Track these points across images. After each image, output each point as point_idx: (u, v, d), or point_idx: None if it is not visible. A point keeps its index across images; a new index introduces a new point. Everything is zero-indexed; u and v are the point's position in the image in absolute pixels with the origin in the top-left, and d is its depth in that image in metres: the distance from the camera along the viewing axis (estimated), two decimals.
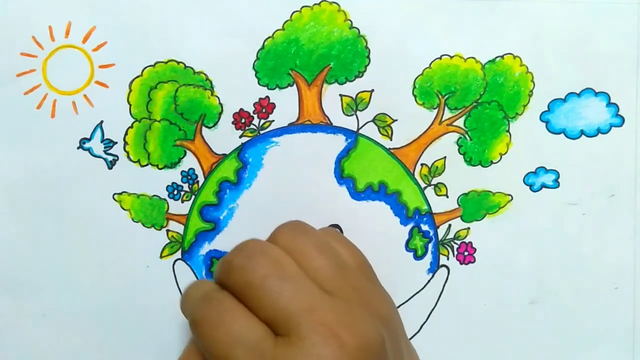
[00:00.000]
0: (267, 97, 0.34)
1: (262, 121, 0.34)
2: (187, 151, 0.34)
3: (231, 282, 0.26)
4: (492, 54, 0.34)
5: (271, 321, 0.25)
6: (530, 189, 0.35)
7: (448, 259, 0.35)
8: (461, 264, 0.35)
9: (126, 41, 0.33)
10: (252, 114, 0.34)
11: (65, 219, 0.34)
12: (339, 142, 0.34)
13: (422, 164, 0.34)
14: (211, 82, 0.33)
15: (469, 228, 0.35)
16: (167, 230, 0.34)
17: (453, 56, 0.34)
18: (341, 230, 0.34)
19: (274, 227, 0.34)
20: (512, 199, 0.35)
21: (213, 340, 0.25)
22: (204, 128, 0.34)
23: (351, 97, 0.34)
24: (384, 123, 0.34)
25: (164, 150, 0.34)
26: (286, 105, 0.34)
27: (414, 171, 0.34)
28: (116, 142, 0.33)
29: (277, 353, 0.24)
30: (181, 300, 0.29)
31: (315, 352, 0.23)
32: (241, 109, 0.34)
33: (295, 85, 0.34)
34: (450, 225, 0.35)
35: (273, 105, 0.34)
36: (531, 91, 0.34)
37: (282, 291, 0.25)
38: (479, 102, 0.34)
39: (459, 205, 0.35)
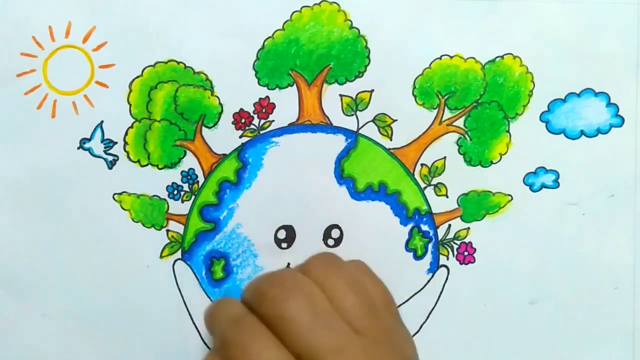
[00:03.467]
0: (267, 97, 0.34)
1: (262, 121, 0.34)
2: (187, 151, 0.34)
3: (263, 311, 0.26)
4: (492, 54, 0.34)
5: (300, 356, 0.25)
6: (530, 189, 0.35)
7: (448, 259, 0.35)
8: (461, 264, 0.35)
9: (126, 41, 0.33)
10: (252, 114, 0.34)
11: (65, 219, 0.34)
12: (339, 142, 0.34)
13: (422, 164, 0.34)
14: (211, 82, 0.33)
15: (469, 228, 0.35)
16: (167, 230, 0.34)
17: (453, 56, 0.34)
18: (341, 231, 0.34)
19: (274, 227, 0.34)
20: (512, 199, 0.35)
21: None
22: (204, 128, 0.34)
23: (351, 97, 0.34)
24: (384, 123, 0.34)
25: (164, 150, 0.34)
26: (286, 105, 0.34)
27: (414, 171, 0.34)
28: (116, 142, 0.33)
29: None
30: (207, 316, 0.29)
31: None
32: (241, 109, 0.34)
33: (295, 85, 0.34)
34: (450, 225, 0.35)
35: (273, 105, 0.34)
36: (531, 91, 0.34)
37: (314, 328, 0.25)
38: (479, 102, 0.34)
39: (458, 205, 0.35)
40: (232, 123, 0.34)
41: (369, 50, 0.34)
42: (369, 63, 0.34)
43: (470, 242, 0.35)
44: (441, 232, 0.35)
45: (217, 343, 0.27)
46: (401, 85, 0.34)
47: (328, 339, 0.25)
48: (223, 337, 0.26)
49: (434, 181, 0.34)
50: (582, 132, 0.34)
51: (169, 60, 0.33)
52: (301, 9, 0.33)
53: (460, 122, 0.34)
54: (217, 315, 0.28)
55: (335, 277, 0.27)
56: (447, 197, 0.35)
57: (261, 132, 0.34)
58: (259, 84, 0.34)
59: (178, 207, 0.34)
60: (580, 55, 0.34)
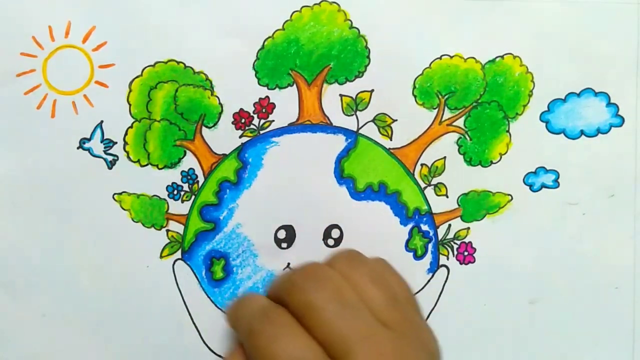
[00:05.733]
0: (267, 97, 0.34)
1: (262, 121, 0.34)
2: (187, 151, 0.34)
3: (291, 299, 0.27)
4: (492, 54, 0.34)
5: (328, 344, 0.25)
6: (530, 189, 0.35)
7: (448, 259, 0.35)
8: (461, 264, 0.35)
9: (126, 41, 0.33)
10: (252, 114, 0.34)
11: (65, 219, 0.34)
12: (339, 142, 0.34)
13: (422, 164, 0.34)
14: (211, 82, 0.33)
15: (468, 228, 0.35)
16: (167, 230, 0.34)
17: (453, 56, 0.34)
18: (341, 231, 0.34)
19: (274, 227, 0.34)
20: (512, 199, 0.35)
21: (269, 353, 0.25)
22: (204, 128, 0.34)
23: (351, 97, 0.34)
24: (384, 123, 0.34)
25: (164, 150, 0.34)
26: (286, 105, 0.34)
27: (414, 171, 0.34)
28: (116, 142, 0.33)
29: None
30: (232, 310, 0.29)
31: None
32: (241, 109, 0.34)
33: (295, 85, 0.34)
34: (450, 225, 0.35)
35: (273, 105, 0.34)
36: (531, 91, 0.34)
37: (343, 316, 0.25)
38: (479, 102, 0.34)
39: (459, 205, 0.35)
40: (232, 123, 0.34)
41: (369, 50, 0.34)
42: (369, 63, 0.34)
43: (470, 242, 0.35)
44: (441, 232, 0.35)
45: (243, 335, 0.27)
46: (401, 85, 0.34)
47: (357, 327, 0.25)
48: (250, 328, 0.26)
49: (434, 181, 0.34)
50: (582, 132, 0.34)
51: (169, 60, 0.33)
52: (301, 9, 0.33)
53: (460, 122, 0.34)
54: (242, 309, 0.28)
55: (359, 271, 0.28)
56: (447, 197, 0.35)
57: (261, 132, 0.34)
58: (259, 84, 0.34)
59: (178, 207, 0.34)
60: (580, 55, 0.34)
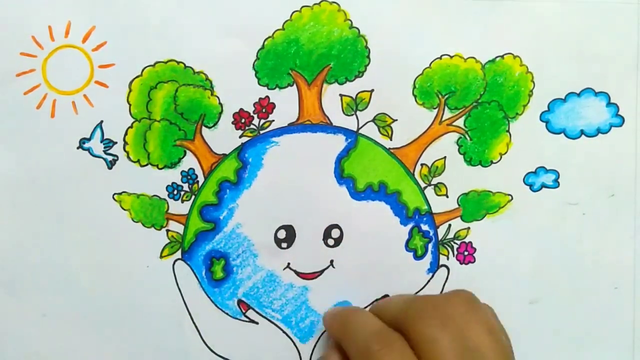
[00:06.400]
0: (267, 97, 0.34)
1: (262, 121, 0.34)
2: (187, 151, 0.34)
3: (413, 329, 0.28)
4: (492, 54, 0.34)
5: None
6: (530, 189, 0.35)
7: (448, 259, 0.35)
8: (461, 264, 0.35)
9: (126, 41, 0.33)
10: (252, 114, 0.34)
11: (65, 219, 0.34)
12: (339, 142, 0.34)
13: (422, 164, 0.34)
14: (211, 82, 0.33)
15: (469, 228, 0.35)
16: (167, 230, 0.34)
17: (453, 56, 0.34)
18: (341, 230, 0.34)
19: (274, 227, 0.34)
20: (512, 198, 0.35)
21: None
22: (204, 128, 0.34)
23: (351, 97, 0.34)
24: (384, 123, 0.34)
25: (163, 150, 0.34)
26: (286, 105, 0.34)
27: (414, 171, 0.34)
28: (116, 142, 0.33)
29: None
30: (338, 318, 0.31)
31: None
32: (241, 109, 0.34)
33: (295, 85, 0.34)
34: (450, 225, 0.35)
35: (273, 105, 0.34)
36: (531, 91, 0.34)
37: (463, 358, 0.27)
38: (479, 102, 0.34)
39: (459, 205, 0.35)
40: (232, 123, 0.34)
41: (369, 50, 0.34)
42: (369, 63, 0.34)
43: (470, 242, 0.35)
44: (441, 232, 0.35)
45: (355, 351, 0.28)
46: (401, 85, 0.34)
47: None
48: (367, 346, 0.28)
49: (434, 181, 0.34)
50: (582, 132, 0.34)
51: (169, 60, 0.33)
52: (301, 9, 0.33)
53: (460, 122, 0.34)
54: (357, 325, 0.30)
55: (477, 318, 0.28)
56: (447, 197, 0.34)
57: (261, 132, 0.34)
58: (259, 83, 0.34)
59: (178, 207, 0.34)
60: (580, 55, 0.34)
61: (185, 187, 0.34)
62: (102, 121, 0.33)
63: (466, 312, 0.28)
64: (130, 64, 0.33)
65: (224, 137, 0.34)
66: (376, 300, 0.34)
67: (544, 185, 0.35)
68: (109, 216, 0.34)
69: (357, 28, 0.34)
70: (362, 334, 0.29)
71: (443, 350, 0.27)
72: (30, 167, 0.33)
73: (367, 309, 0.34)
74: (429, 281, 0.35)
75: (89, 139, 0.33)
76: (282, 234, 0.34)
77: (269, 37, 0.33)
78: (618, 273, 0.35)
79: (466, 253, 0.35)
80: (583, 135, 0.34)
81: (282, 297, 0.34)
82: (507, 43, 0.34)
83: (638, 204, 0.35)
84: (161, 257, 0.34)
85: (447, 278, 0.35)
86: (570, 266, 0.35)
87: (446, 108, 0.34)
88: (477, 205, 0.35)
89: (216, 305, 0.34)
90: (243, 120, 0.34)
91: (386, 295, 0.34)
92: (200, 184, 0.34)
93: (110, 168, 0.34)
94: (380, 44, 0.34)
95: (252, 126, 0.34)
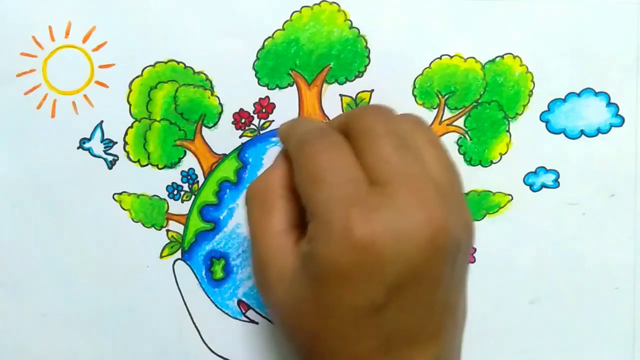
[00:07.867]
0: (267, 97, 0.34)
1: (262, 121, 0.34)
2: (187, 151, 0.34)
3: (351, 125, 0.26)
4: (492, 54, 0.34)
5: (371, 170, 0.24)
6: (530, 189, 0.35)
7: None
8: None
9: (126, 41, 0.33)
10: (252, 114, 0.34)
11: (65, 219, 0.34)
12: None
13: None
14: (211, 82, 0.33)
15: None
16: (167, 230, 0.34)
17: (453, 56, 0.34)
18: None
19: None
20: (512, 199, 0.35)
21: (314, 162, 0.25)
22: (204, 128, 0.34)
23: (351, 97, 0.34)
24: None
25: (164, 150, 0.34)
26: (286, 105, 0.34)
27: None
28: (116, 142, 0.33)
29: (367, 196, 0.24)
30: (285, 126, 0.29)
31: (404, 211, 0.23)
32: (241, 109, 0.34)
33: (295, 85, 0.34)
34: None
35: (273, 105, 0.34)
36: (531, 91, 0.34)
37: (397, 152, 0.25)
38: (479, 102, 0.34)
39: None
40: (232, 123, 0.34)
41: (369, 50, 0.34)
42: (369, 63, 0.34)
43: None
44: None
45: (293, 145, 0.27)
46: (401, 85, 0.34)
47: (406, 165, 0.24)
48: (303, 139, 0.26)
49: None
50: (582, 132, 0.34)
51: (169, 60, 0.33)
52: (301, 9, 0.33)
53: (460, 122, 0.34)
54: (299, 126, 0.28)
55: (423, 131, 0.27)
56: None
57: (261, 132, 0.34)
58: (259, 84, 0.34)
59: (178, 207, 0.34)
60: (580, 55, 0.34)
61: (186, 187, 0.34)
62: (102, 121, 0.33)
63: (414, 126, 0.27)
64: (130, 64, 0.33)
65: (224, 137, 0.34)
66: None
67: (544, 185, 0.35)
68: (109, 216, 0.34)
69: (357, 28, 0.34)
70: (303, 130, 0.27)
71: (375, 139, 0.25)
72: (30, 167, 0.33)
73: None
74: None
75: (89, 139, 0.33)
76: None
77: (269, 37, 0.33)
78: (618, 273, 0.35)
79: None
80: (583, 135, 0.34)
81: None
82: (507, 43, 0.34)
83: (638, 204, 0.35)
84: (161, 257, 0.34)
85: None
86: (570, 266, 0.35)
87: (446, 108, 0.34)
88: (477, 205, 0.35)
89: (216, 305, 0.34)
90: (243, 120, 0.34)
91: None
92: (200, 184, 0.34)
93: (110, 168, 0.34)
94: (380, 44, 0.34)
95: (252, 126, 0.34)
